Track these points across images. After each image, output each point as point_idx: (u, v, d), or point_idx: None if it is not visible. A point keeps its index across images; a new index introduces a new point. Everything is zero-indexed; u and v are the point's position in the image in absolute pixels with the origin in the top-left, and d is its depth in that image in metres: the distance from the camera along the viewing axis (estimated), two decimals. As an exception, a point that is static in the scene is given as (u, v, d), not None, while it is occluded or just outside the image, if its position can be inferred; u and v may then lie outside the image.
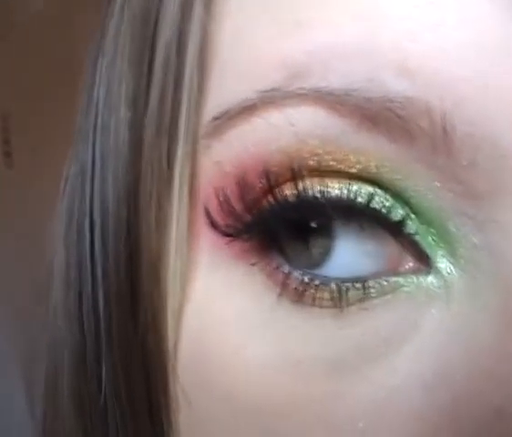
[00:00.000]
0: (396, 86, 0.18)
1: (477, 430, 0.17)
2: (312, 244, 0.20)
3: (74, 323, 0.23)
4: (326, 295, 0.19)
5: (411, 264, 0.19)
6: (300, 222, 0.20)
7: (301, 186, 0.19)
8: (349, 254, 0.20)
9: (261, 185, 0.20)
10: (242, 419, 0.20)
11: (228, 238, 0.20)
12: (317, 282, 0.19)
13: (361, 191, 0.19)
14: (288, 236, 0.20)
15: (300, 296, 0.19)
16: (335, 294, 0.19)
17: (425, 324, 0.18)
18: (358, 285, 0.19)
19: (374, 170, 0.19)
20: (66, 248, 0.24)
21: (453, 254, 0.19)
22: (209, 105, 0.21)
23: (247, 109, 0.19)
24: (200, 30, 0.21)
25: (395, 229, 0.19)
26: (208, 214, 0.21)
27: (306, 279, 0.19)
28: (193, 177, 0.21)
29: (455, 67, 0.18)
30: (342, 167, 0.19)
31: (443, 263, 0.19)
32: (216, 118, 0.20)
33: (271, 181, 0.19)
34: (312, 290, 0.19)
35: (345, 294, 0.19)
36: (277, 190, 0.19)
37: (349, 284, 0.19)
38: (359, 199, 0.19)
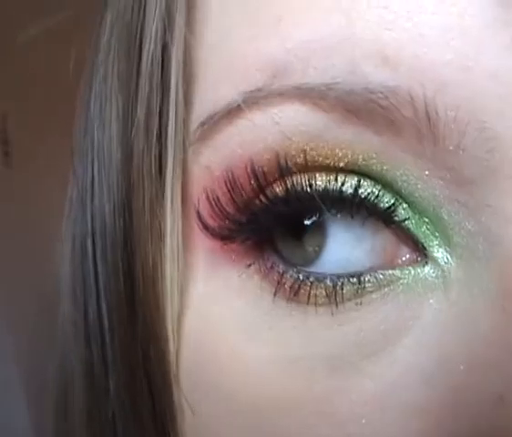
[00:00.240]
0: (377, 77, 0.18)
1: (478, 419, 0.17)
2: (306, 241, 0.20)
3: (81, 339, 0.24)
4: (321, 292, 0.19)
5: (407, 256, 0.19)
6: (292, 220, 0.20)
7: (289, 181, 0.19)
8: (343, 249, 0.20)
9: (250, 185, 0.20)
10: (246, 421, 0.20)
11: (222, 241, 0.21)
12: (312, 279, 0.19)
13: (348, 180, 0.19)
14: (281, 234, 0.20)
15: (295, 294, 0.19)
16: (330, 290, 0.19)
17: (424, 315, 0.19)
18: (354, 280, 0.19)
19: (362, 163, 0.19)
20: (71, 267, 0.25)
21: (448, 242, 0.19)
22: (195, 112, 0.21)
23: (231, 112, 0.20)
24: (182, 40, 0.21)
25: (386, 217, 0.19)
26: (200, 218, 0.21)
27: (301, 277, 0.19)
28: (185, 184, 0.21)
29: (436, 52, 0.17)
30: (329, 161, 0.19)
31: (439, 252, 0.19)
32: (202, 124, 0.20)
33: (261, 180, 0.20)
34: (308, 288, 0.19)
35: (341, 290, 0.19)
36: (266, 188, 0.20)
37: (344, 279, 0.19)
38: (346, 188, 0.19)
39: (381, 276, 0.19)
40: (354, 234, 0.20)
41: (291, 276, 0.20)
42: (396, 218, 0.19)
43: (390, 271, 0.19)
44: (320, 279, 0.19)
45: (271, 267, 0.20)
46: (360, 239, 0.20)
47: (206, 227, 0.21)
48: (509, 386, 0.17)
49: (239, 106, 0.19)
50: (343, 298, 0.19)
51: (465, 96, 0.17)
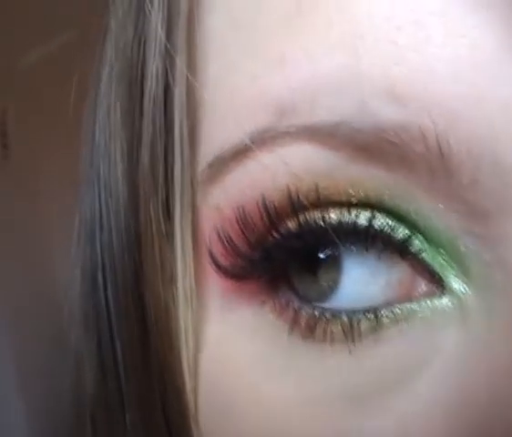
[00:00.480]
0: (387, 114, 0.17)
1: None
2: (321, 276, 0.20)
3: (95, 368, 0.24)
4: (338, 328, 0.19)
5: (424, 288, 0.19)
6: (307, 254, 0.20)
7: (302, 216, 0.19)
8: (358, 283, 0.20)
9: (262, 221, 0.19)
10: None
11: (235, 280, 0.21)
12: (328, 315, 0.19)
13: (362, 213, 0.19)
14: (296, 269, 0.20)
15: (311, 331, 0.19)
16: (347, 327, 0.19)
17: (443, 347, 0.18)
18: (370, 315, 0.19)
19: (375, 198, 0.19)
20: (83, 295, 0.25)
21: (465, 273, 0.18)
22: (201, 152, 0.21)
23: (239, 153, 0.19)
24: (184, 80, 0.21)
25: (402, 249, 0.19)
26: (213, 258, 0.21)
27: (316, 313, 0.19)
28: (195, 224, 0.21)
29: (446, 86, 0.17)
30: (341, 198, 0.19)
31: (456, 283, 0.19)
32: (210, 165, 0.20)
33: (273, 216, 0.19)
34: (323, 324, 0.19)
35: (357, 326, 0.19)
36: (278, 224, 0.19)
37: (360, 315, 0.19)
38: (360, 221, 0.19)
39: (398, 310, 0.19)
40: (370, 267, 0.19)
41: (306, 313, 0.19)
42: (412, 250, 0.19)
43: (407, 305, 0.19)
44: (336, 314, 0.19)
45: (286, 304, 0.20)
46: (375, 273, 0.19)
47: (218, 266, 0.21)
48: None
49: (246, 146, 0.19)
50: (360, 334, 0.19)
51: (478, 130, 0.17)
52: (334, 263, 0.20)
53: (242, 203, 0.20)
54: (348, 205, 0.19)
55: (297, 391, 0.20)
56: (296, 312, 0.20)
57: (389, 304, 0.19)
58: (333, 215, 0.19)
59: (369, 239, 0.19)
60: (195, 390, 0.22)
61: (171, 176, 0.21)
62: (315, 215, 0.19)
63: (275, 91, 0.19)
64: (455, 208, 0.18)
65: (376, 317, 0.19)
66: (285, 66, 0.18)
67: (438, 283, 0.19)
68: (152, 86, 0.21)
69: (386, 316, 0.19)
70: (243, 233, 0.20)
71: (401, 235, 0.19)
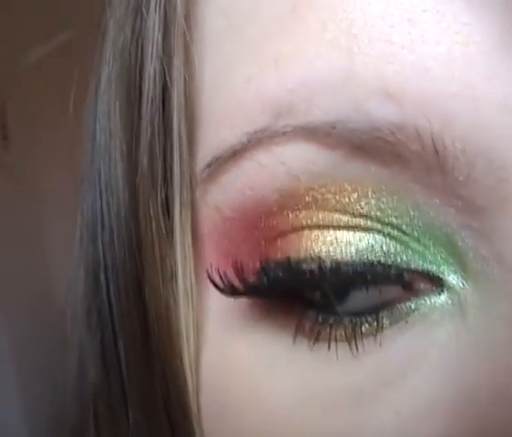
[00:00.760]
0: (382, 114, 0.18)
1: None
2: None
3: (99, 368, 0.24)
4: (341, 332, 0.19)
5: (422, 285, 0.19)
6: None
7: (292, 257, 0.19)
8: (360, 290, 0.20)
9: (256, 271, 0.20)
10: None
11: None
12: (331, 321, 0.20)
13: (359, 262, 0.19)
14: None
15: (316, 336, 0.20)
16: (349, 331, 0.19)
17: (443, 342, 0.19)
18: (371, 318, 0.19)
19: (372, 195, 0.19)
20: (85, 293, 0.25)
21: (463, 268, 0.19)
22: (200, 153, 0.21)
23: (237, 153, 0.20)
24: (182, 81, 0.21)
25: (398, 280, 0.19)
26: (213, 282, 0.21)
27: (320, 319, 0.20)
28: (194, 224, 0.22)
29: (441, 85, 0.17)
30: (338, 197, 0.19)
31: (454, 279, 0.19)
32: (208, 165, 0.20)
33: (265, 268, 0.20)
34: (327, 329, 0.20)
35: (359, 328, 0.19)
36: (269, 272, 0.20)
37: (362, 318, 0.19)
38: (359, 279, 0.19)
39: (397, 309, 0.19)
40: None
41: (310, 317, 0.20)
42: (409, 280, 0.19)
43: (407, 303, 0.19)
44: (339, 319, 0.20)
45: (291, 307, 0.20)
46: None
47: (220, 289, 0.21)
48: None
49: (243, 146, 0.19)
50: (361, 336, 0.19)
51: (472, 128, 0.17)
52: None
53: (241, 206, 0.20)
54: (344, 212, 0.19)
55: (298, 391, 0.20)
56: (300, 317, 0.20)
57: (389, 304, 0.19)
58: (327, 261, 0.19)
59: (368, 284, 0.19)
60: (197, 388, 0.22)
61: (170, 176, 0.21)
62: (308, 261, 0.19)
63: (271, 92, 0.19)
64: (452, 203, 0.18)
65: (377, 318, 0.19)
66: (281, 67, 0.19)
67: (437, 280, 0.19)
68: (150, 87, 0.21)
69: (386, 316, 0.19)
70: (238, 275, 0.20)
71: (396, 270, 0.19)
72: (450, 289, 0.19)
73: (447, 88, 0.17)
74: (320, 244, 0.19)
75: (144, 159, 0.21)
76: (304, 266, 0.19)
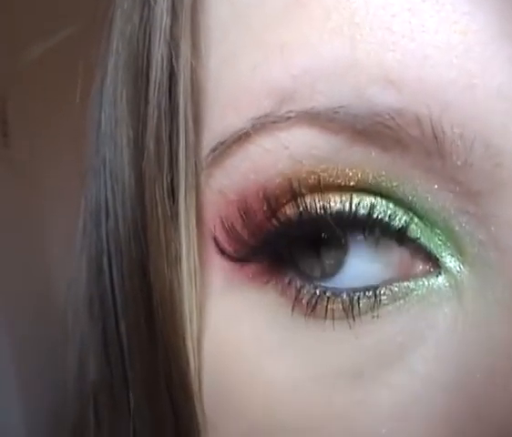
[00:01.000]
0: (382, 100, 0.18)
1: (501, 428, 0.18)
2: (325, 255, 0.21)
3: (100, 354, 0.25)
4: (338, 306, 0.20)
5: (420, 267, 0.20)
6: (308, 238, 0.21)
7: (302, 204, 0.20)
8: (361, 264, 0.20)
9: (263, 210, 0.20)
10: None
11: (239, 263, 0.21)
12: (329, 294, 0.20)
13: (362, 203, 0.20)
14: (300, 249, 0.21)
15: (312, 309, 0.20)
16: (347, 304, 0.20)
17: (439, 325, 0.19)
18: (369, 293, 0.20)
19: (373, 181, 0.19)
20: (88, 282, 0.26)
21: (461, 252, 0.19)
22: (205, 137, 0.22)
23: (241, 138, 0.20)
24: (189, 67, 0.21)
25: (399, 236, 0.20)
26: (216, 242, 0.22)
27: (317, 292, 0.20)
28: (198, 207, 0.22)
29: (440, 72, 0.18)
30: (340, 181, 0.20)
31: (452, 262, 0.19)
32: (213, 150, 0.21)
33: (273, 205, 0.20)
34: (325, 303, 0.20)
35: (357, 304, 0.20)
36: (279, 213, 0.20)
37: (360, 293, 0.20)
38: (361, 211, 0.20)
39: (395, 288, 0.20)
40: (369, 252, 0.20)
41: (308, 291, 0.20)
42: (409, 236, 0.20)
43: (404, 283, 0.20)
44: (336, 293, 0.20)
45: (289, 282, 0.21)
46: (375, 255, 0.20)
47: (221, 249, 0.22)
48: None
49: (248, 131, 0.20)
50: (359, 311, 0.20)
51: (470, 114, 0.18)
52: (338, 244, 0.21)
53: (244, 189, 0.21)
54: (348, 191, 0.20)
55: (298, 367, 0.21)
56: (298, 291, 0.20)
57: (387, 283, 0.20)
58: (333, 204, 0.20)
59: (367, 228, 0.20)
60: (199, 369, 0.22)
61: (176, 160, 0.22)
62: (316, 204, 0.20)
63: (276, 79, 0.19)
64: (450, 188, 0.19)
65: (375, 295, 0.20)
66: (285, 54, 0.19)
67: (434, 263, 0.20)
68: (157, 73, 0.22)
69: (384, 294, 0.20)
70: (244, 221, 0.21)
71: (398, 222, 0.20)
72: (447, 272, 0.19)
73: (446, 75, 0.18)
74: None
75: (150, 144, 0.22)
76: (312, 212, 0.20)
